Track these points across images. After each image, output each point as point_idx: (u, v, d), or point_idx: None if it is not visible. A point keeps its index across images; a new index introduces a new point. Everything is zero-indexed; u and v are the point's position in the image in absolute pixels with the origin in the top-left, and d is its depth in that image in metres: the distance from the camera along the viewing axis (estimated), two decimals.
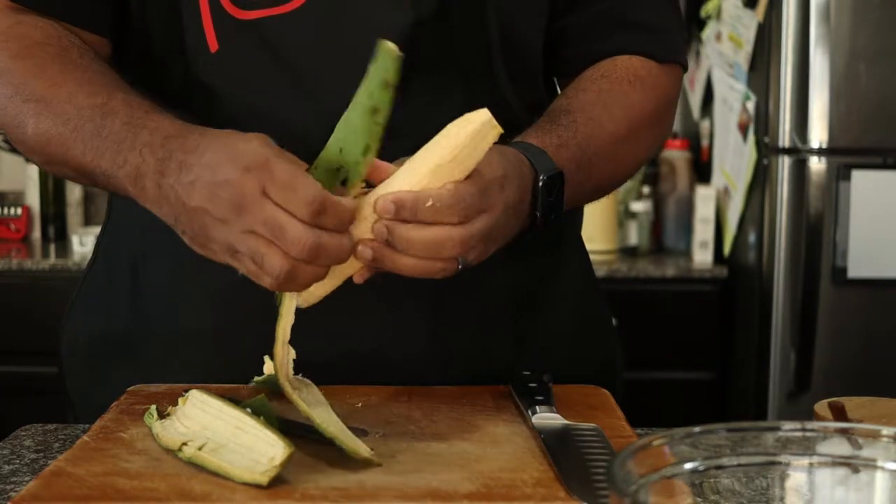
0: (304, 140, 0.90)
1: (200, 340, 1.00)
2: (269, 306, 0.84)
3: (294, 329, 0.83)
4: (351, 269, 0.82)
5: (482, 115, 0.80)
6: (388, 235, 0.80)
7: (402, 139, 0.94)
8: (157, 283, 1.03)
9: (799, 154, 2.37)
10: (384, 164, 0.83)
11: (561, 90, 1.12)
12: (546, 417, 0.85)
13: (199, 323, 1.00)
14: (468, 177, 0.81)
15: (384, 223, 0.80)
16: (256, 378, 0.94)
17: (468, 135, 0.80)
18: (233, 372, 0.97)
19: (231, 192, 0.77)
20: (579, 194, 0.97)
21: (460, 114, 0.91)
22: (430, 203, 0.79)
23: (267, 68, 0.95)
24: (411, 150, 0.87)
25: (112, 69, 0.96)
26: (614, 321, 2.53)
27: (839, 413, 0.92)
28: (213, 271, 0.86)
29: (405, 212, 0.79)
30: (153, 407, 0.85)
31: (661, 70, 1.07)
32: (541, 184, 0.89)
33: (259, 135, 0.81)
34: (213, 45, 0.95)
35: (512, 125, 1.01)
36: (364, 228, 0.81)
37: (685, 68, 1.11)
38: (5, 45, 0.94)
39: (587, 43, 1.07)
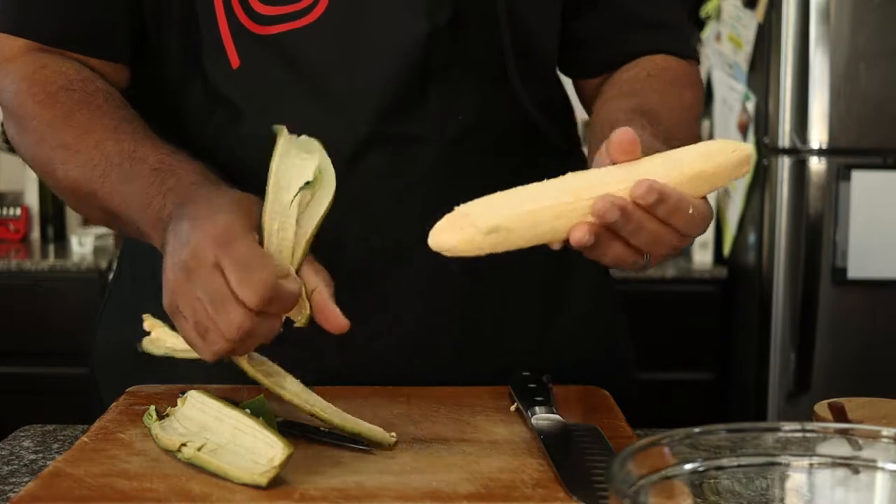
0: (328, 149, 0.91)
1: None
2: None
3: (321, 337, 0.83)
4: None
5: (747, 150, 0.79)
6: (623, 219, 0.74)
7: (419, 144, 0.95)
8: None
9: (799, 154, 2.37)
10: (631, 138, 0.77)
11: (580, 90, 1.13)
12: (545, 418, 0.85)
13: None
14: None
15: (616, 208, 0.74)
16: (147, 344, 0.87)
17: (734, 161, 0.78)
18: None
19: (189, 253, 0.77)
20: None
21: (475, 117, 0.96)
22: (690, 211, 0.76)
23: (288, 81, 0.96)
24: (429, 154, 0.91)
25: (136, 114, 0.96)
26: None
27: (839, 414, 0.92)
28: None
29: (663, 207, 0.75)
30: (152, 408, 0.85)
31: (687, 65, 1.08)
32: None
33: (245, 204, 0.80)
34: (235, 62, 0.96)
35: (526, 124, 1.03)
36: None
37: (699, 63, 1.12)
38: (31, 90, 0.95)
39: (610, 45, 1.07)
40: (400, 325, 0.99)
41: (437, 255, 0.96)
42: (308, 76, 0.96)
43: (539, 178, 1.04)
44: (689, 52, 1.09)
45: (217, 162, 0.96)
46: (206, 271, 0.76)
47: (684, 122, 0.99)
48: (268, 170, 0.87)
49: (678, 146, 0.87)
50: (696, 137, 0.99)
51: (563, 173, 1.07)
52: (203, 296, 0.76)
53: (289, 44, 0.96)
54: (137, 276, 1.08)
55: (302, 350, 0.89)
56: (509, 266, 1.00)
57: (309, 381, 0.88)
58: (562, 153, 1.08)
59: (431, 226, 0.81)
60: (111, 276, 1.13)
